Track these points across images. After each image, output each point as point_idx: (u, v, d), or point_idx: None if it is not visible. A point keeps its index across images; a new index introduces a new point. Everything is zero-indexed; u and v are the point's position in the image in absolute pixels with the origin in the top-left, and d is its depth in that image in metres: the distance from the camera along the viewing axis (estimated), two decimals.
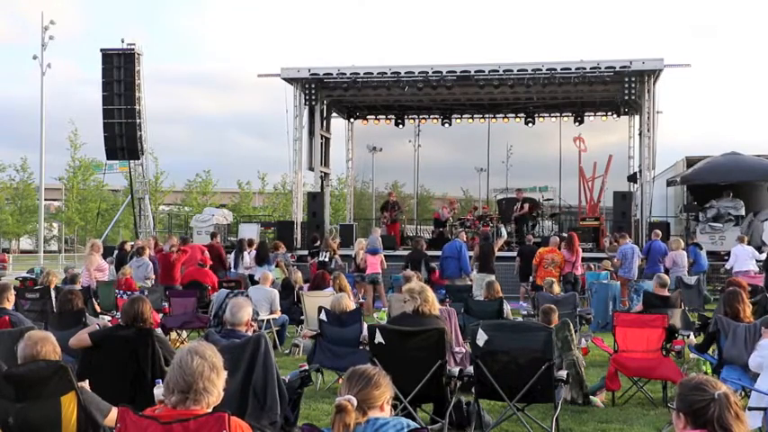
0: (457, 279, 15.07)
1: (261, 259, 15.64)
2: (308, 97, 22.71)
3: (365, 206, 43.62)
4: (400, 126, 27.04)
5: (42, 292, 10.64)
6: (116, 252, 17.55)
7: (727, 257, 19.16)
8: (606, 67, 21.14)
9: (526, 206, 22.50)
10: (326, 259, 16.82)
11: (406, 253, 18.32)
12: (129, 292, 12.33)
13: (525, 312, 12.00)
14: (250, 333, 5.91)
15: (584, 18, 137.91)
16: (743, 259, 16.06)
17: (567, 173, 26.57)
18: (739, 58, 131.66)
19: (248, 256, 16.58)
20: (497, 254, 16.83)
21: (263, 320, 11.38)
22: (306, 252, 20.72)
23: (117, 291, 12.75)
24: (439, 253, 17.84)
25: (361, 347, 7.94)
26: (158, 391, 4.22)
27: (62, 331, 6.26)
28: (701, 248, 17.66)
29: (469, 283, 14.71)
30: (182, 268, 14.79)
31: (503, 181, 29.84)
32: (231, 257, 16.94)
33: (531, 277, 15.73)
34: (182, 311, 11.82)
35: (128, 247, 17.54)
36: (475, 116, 26.75)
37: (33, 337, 4.65)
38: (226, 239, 23.89)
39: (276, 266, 16.37)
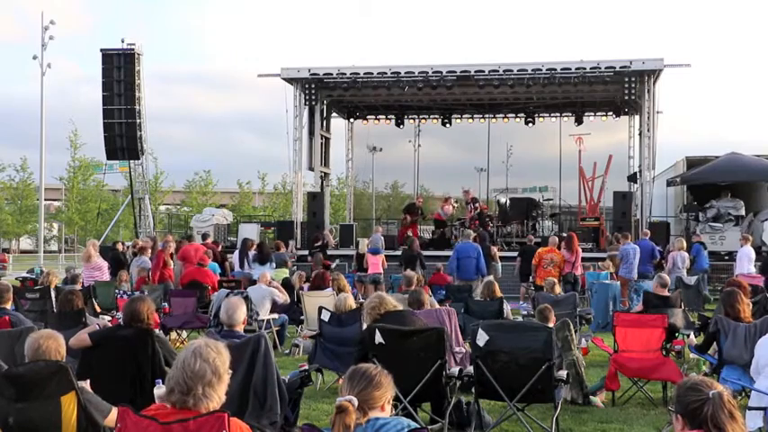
0: (473, 281, 14.81)
1: (262, 259, 15.64)
2: (308, 97, 22.72)
3: (365, 206, 43.68)
4: (400, 126, 27.06)
5: (42, 292, 10.63)
6: (110, 252, 17.50)
7: (727, 257, 19.18)
8: (606, 67, 21.15)
9: (479, 205, 22.40)
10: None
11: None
12: (129, 293, 12.34)
13: (525, 312, 11.99)
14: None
15: (585, 18, 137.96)
16: (750, 260, 16.07)
17: (567, 173, 26.60)
18: (739, 58, 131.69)
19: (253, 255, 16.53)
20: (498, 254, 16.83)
21: (263, 320, 11.38)
22: (306, 252, 20.77)
23: (117, 291, 12.76)
24: (439, 253, 17.85)
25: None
26: (158, 391, 4.21)
27: (62, 331, 6.24)
28: (705, 248, 17.66)
29: (473, 283, 14.65)
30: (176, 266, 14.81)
31: (503, 181, 29.93)
32: (235, 257, 16.91)
33: (531, 277, 15.71)
34: (182, 311, 11.81)
35: (120, 246, 17.55)
36: (475, 116, 26.77)
37: (41, 333, 4.70)
38: (226, 239, 23.89)
39: (284, 266, 16.42)
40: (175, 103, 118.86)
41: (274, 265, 15.76)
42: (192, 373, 3.23)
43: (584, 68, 21.34)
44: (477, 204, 22.46)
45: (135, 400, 4.62)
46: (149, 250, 15.58)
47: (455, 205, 23.17)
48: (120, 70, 24.42)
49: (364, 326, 8.16)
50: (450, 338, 7.21)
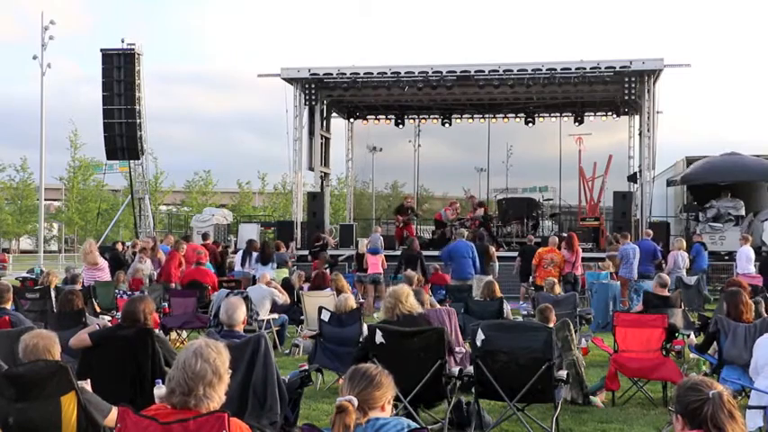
0: (468, 280, 14.83)
1: (264, 259, 15.67)
2: (308, 97, 22.70)
3: (365, 206, 43.65)
4: (400, 126, 27.04)
5: (42, 292, 10.63)
6: (110, 252, 17.50)
7: (727, 257, 19.18)
8: (606, 67, 21.14)
9: (481, 210, 22.38)
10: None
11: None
12: (129, 292, 12.35)
13: (525, 312, 12.00)
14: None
15: (585, 18, 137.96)
16: (750, 260, 16.08)
17: (567, 173, 26.57)
18: (739, 58, 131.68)
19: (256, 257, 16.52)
20: (498, 254, 16.82)
21: (263, 320, 11.38)
22: (306, 252, 20.79)
23: (117, 291, 12.76)
24: (439, 253, 17.77)
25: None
26: (158, 391, 4.22)
27: (62, 331, 6.25)
28: (706, 248, 17.66)
29: (470, 283, 14.67)
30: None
31: (503, 181, 29.89)
32: (238, 257, 16.92)
33: (531, 277, 15.71)
34: (182, 311, 11.81)
35: (120, 246, 17.56)
36: (475, 116, 26.75)
37: (32, 332, 4.73)
38: (226, 239, 23.89)
39: (284, 266, 16.43)
40: (175, 103, 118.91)
41: (275, 265, 15.77)
42: (194, 374, 3.23)
43: (584, 68, 21.32)
44: (482, 209, 22.44)
45: (135, 400, 4.62)
46: (149, 251, 15.58)
47: (458, 212, 23.10)
48: (120, 70, 24.41)
49: (364, 326, 8.19)
50: (450, 339, 7.20)
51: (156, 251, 16.09)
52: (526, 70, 21.66)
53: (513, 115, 26.27)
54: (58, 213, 51.88)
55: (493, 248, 17.87)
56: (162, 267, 15.04)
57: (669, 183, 25.23)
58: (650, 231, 17.19)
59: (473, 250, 15.20)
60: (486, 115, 26.70)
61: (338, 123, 27.41)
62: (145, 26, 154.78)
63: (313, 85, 22.60)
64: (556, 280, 12.45)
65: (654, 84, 21.39)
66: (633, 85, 20.93)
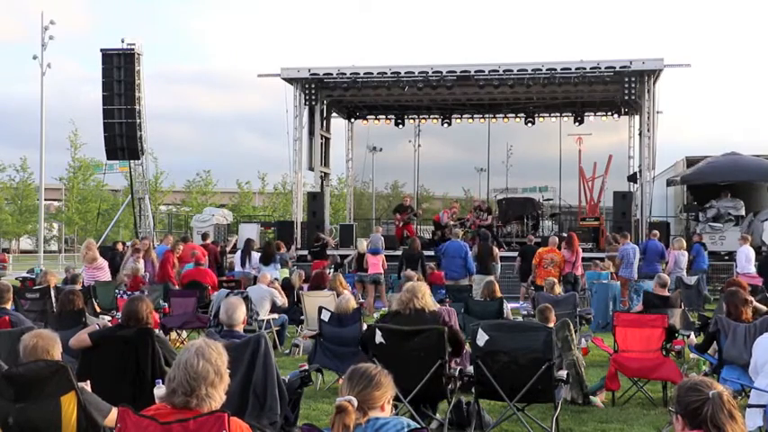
0: (461, 280, 14.90)
1: (266, 259, 15.66)
2: (308, 97, 22.70)
3: (365, 206, 43.66)
4: (400, 126, 27.04)
5: (42, 292, 10.63)
6: (110, 252, 17.48)
7: (727, 257, 19.18)
8: (606, 67, 21.14)
9: (489, 218, 22.39)
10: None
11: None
12: (129, 292, 12.34)
13: (525, 312, 12.00)
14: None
15: (585, 18, 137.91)
16: (750, 260, 16.09)
17: (567, 173, 26.57)
18: (739, 58, 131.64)
19: (256, 256, 16.52)
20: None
21: (263, 320, 11.39)
22: (305, 252, 20.79)
23: (117, 291, 12.75)
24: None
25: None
26: (158, 391, 4.21)
27: (62, 331, 6.25)
28: (706, 248, 17.66)
29: (470, 283, 14.69)
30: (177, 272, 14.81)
31: (503, 181, 29.91)
32: (237, 257, 16.91)
33: (531, 277, 15.70)
34: (182, 311, 11.80)
35: (120, 246, 17.53)
36: (475, 116, 26.75)
37: (31, 332, 4.73)
38: (225, 239, 23.87)
39: (285, 267, 16.43)
40: (176, 102, 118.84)
41: (279, 265, 15.76)
42: (196, 374, 3.23)
43: (584, 68, 21.32)
44: (490, 216, 22.43)
45: (135, 400, 4.61)
46: (142, 252, 15.53)
47: (456, 215, 23.07)
48: (120, 70, 24.38)
49: (364, 326, 8.19)
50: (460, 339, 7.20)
51: (149, 252, 15.98)
52: (526, 70, 21.65)
53: (513, 115, 26.25)
54: (58, 213, 51.88)
55: (497, 249, 17.89)
56: (158, 269, 14.97)
57: (669, 183, 25.22)
58: (657, 232, 17.16)
59: (467, 252, 15.22)
60: (486, 115, 26.69)
61: (338, 123, 27.43)
62: (145, 26, 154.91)
63: (313, 85, 22.59)
64: (556, 280, 12.45)
65: (654, 84, 21.40)
66: (633, 85, 20.92)
